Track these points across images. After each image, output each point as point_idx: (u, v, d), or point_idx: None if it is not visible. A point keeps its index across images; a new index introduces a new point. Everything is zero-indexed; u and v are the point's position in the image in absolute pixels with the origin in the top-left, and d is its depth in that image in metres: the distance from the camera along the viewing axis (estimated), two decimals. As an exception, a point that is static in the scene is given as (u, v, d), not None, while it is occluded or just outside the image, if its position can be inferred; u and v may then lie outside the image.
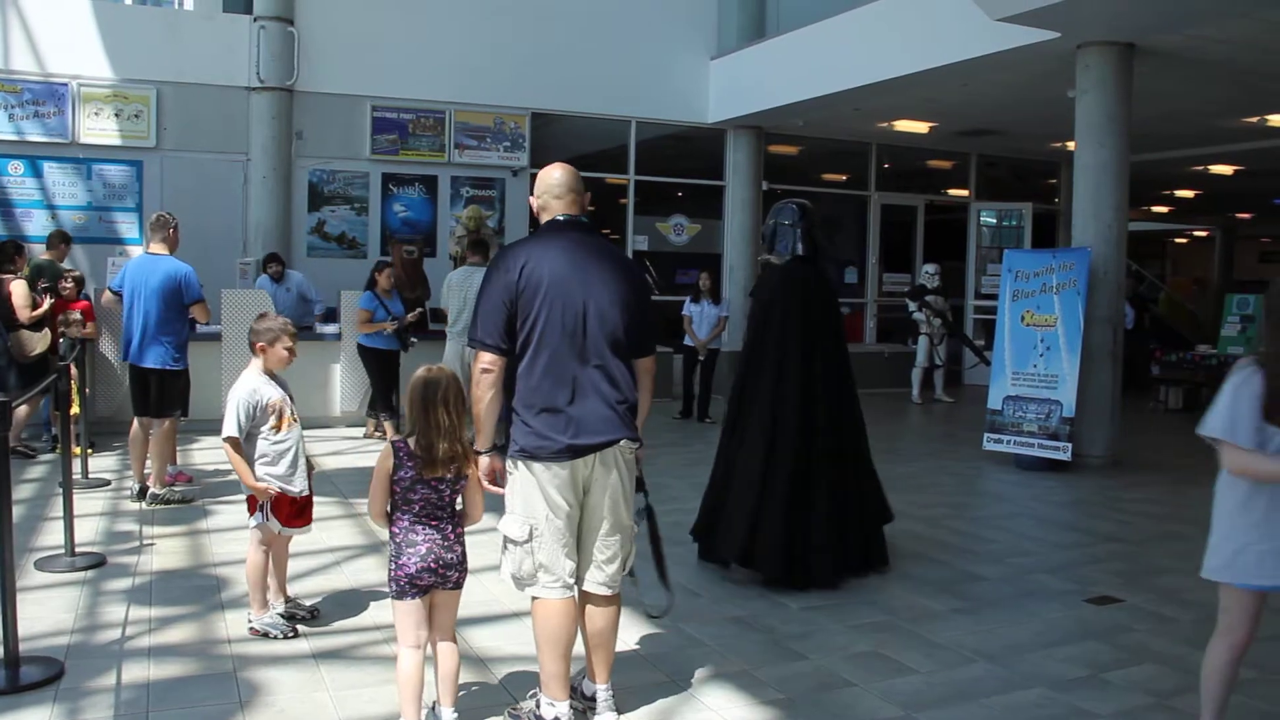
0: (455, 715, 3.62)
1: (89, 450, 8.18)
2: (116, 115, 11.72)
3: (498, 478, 3.70)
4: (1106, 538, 6.80)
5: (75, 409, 7.70)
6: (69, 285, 9.00)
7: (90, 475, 7.78)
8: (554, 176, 3.79)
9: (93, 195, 11.75)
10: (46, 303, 8.59)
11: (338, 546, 6.13)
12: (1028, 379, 9.14)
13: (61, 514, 5.64)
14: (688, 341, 11.64)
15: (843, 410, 5.80)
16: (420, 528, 3.56)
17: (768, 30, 13.97)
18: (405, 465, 3.54)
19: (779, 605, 5.21)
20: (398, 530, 3.58)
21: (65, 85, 11.53)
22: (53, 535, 5.99)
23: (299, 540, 6.12)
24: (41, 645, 4.39)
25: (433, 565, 3.53)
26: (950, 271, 14.96)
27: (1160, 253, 30.41)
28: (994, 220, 16.41)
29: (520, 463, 3.60)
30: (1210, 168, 17.17)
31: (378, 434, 9.79)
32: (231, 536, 6.29)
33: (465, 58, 13.00)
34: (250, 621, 4.65)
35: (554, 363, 3.55)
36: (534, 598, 3.65)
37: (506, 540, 3.65)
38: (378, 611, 4.94)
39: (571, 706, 3.69)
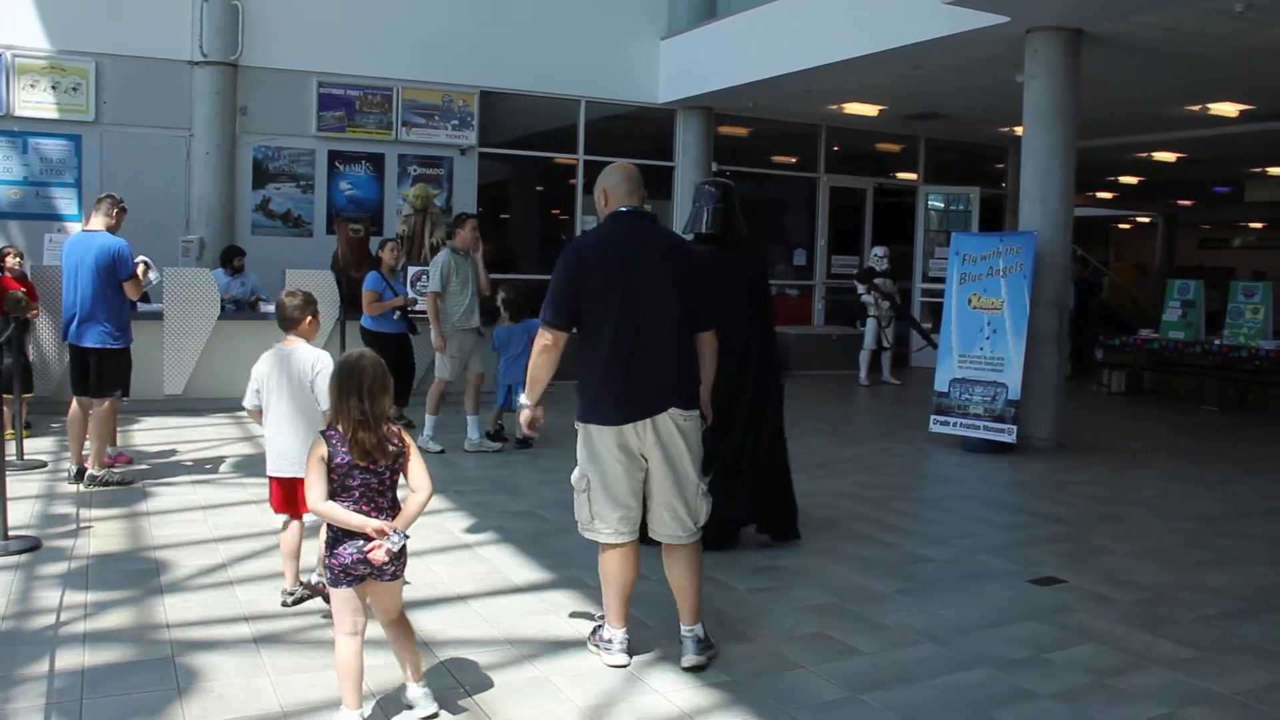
0: (425, 690, 3.61)
1: (25, 431, 8.00)
2: (54, 88, 11.41)
3: (536, 423, 4.33)
4: (1050, 519, 6.88)
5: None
6: (16, 261, 8.77)
7: (26, 456, 7.59)
8: (615, 173, 4.31)
9: (29, 170, 11.44)
10: None
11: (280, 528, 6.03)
12: (974, 362, 9.22)
13: (-6, 496, 5.50)
14: None
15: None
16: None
17: (719, 10, 13.90)
18: (340, 452, 3.44)
19: (725, 587, 5.20)
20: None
21: (-1, 56, 11.23)
22: (-14, 518, 5.84)
23: (244, 522, 6.01)
24: (-28, 631, 4.29)
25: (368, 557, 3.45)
26: (899, 254, 15.07)
27: (1105, 238, 30.87)
28: (942, 204, 16.54)
29: (581, 425, 4.17)
30: (1154, 154, 17.43)
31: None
32: (172, 519, 6.18)
33: (414, 34, 12.81)
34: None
35: (612, 339, 4.04)
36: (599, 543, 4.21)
37: (574, 488, 4.22)
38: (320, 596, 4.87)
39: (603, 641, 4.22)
